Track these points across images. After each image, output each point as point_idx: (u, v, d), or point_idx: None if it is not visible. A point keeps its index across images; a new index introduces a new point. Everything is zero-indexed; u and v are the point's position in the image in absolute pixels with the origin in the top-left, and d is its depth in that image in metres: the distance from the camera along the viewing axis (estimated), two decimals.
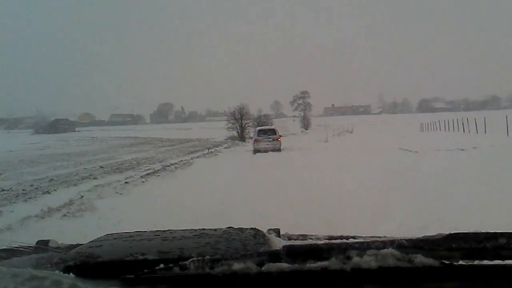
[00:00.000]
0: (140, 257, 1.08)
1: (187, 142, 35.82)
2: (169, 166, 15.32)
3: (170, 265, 0.98)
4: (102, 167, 14.54)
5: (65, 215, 7.41)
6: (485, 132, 28.56)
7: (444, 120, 39.69)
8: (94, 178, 11.77)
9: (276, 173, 12.63)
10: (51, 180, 11.26)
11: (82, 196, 8.97)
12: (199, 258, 0.97)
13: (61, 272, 1.01)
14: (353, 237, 1.54)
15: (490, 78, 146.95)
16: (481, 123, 30.08)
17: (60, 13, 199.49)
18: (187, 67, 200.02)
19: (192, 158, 18.92)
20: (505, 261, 0.93)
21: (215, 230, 1.42)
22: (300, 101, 79.64)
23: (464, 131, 33.01)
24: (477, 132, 29.51)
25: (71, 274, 1.00)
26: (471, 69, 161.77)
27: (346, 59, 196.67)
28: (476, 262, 0.95)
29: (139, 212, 7.62)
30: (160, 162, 16.51)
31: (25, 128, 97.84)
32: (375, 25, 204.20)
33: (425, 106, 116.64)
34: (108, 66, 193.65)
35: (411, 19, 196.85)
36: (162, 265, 0.99)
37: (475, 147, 18.18)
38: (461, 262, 0.94)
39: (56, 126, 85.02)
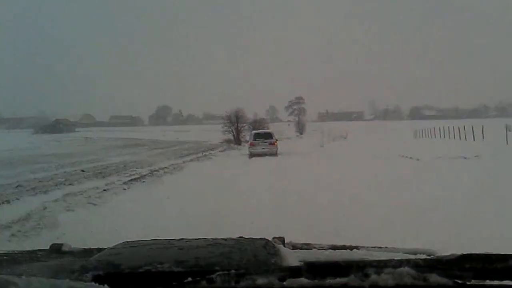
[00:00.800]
0: (168, 269, 1.07)
1: (182, 144, 34.13)
2: (157, 170, 13.68)
3: (197, 278, 0.99)
4: (83, 170, 12.84)
5: (13, 235, 5.76)
6: (483, 138, 27.38)
7: (440, 128, 38.41)
8: (70, 184, 10.11)
9: (273, 180, 11.22)
10: (18, 186, 9.55)
11: (45, 208, 7.30)
12: (225, 272, 0.98)
13: (96, 284, 0.99)
14: (356, 247, 1.58)
15: (479, 87, 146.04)
16: (477, 131, 29.00)
17: (62, 15, 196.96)
18: (186, 70, 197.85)
19: (184, 162, 17.29)
20: None
21: (225, 240, 1.42)
22: (295, 107, 78.78)
23: (460, 138, 31.74)
24: (474, 139, 28.26)
25: (105, 285, 0.98)
26: (462, 78, 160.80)
27: (340, 66, 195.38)
28: (487, 282, 0.95)
29: (109, 231, 6.01)
30: (149, 166, 14.85)
31: (26, 128, 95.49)
32: (368, 34, 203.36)
33: (416, 114, 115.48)
34: (109, 69, 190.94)
35: (403, 28, 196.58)
36: (190, 278, 0.99)
37: (477, 156, 17.16)
38: (473, 282, 0.95)
39: (56, 127, 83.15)
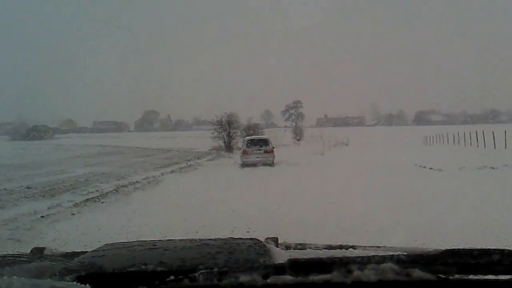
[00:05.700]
0: (151, 269, 1.08)
1: (166, 152, 32.10)
2: (126, 186, 11.66)
3: (180, 276, 1.00)
4: (29, 187, 10.81)
5: None
6: (506, 147, 25.69)
7: (454, 134, 37.04)
8: None
9: (271, 198, 9.32)
10: None
11: None
12: (208, 270, 0.99)
13: (78, 283, 1.00)
14: (352, 247, 1.63)
15: (489, 91, 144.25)
16: (488, 137, 28.23)
17: (42, 12, 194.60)
18: (175, 73, 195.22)
19: (162, 174, 15.30)
20: (498, 276, 0.96)
21: (215, 240, 1.43)
22: (292, 111, 77.17)
23: (478, 145, 30.21)
24: (494, 147, 26.69)
25: (87, 285, 0.98)
26: (469, 81, 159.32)
27: (340, 69, 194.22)
28: (471, 277, 0.97)
29: None
30: (117, 180, 12.84)
31: (3, 134, 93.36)
32: (370, 35, 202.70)
33: (422, 119, 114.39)
34: (93, 72, 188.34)
35: (408, 29, 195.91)
36: (172, 277, 1.00)
37: (506, 165, 15.82)
38: (456, 277, 0.96)
39: (34, 133, 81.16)
